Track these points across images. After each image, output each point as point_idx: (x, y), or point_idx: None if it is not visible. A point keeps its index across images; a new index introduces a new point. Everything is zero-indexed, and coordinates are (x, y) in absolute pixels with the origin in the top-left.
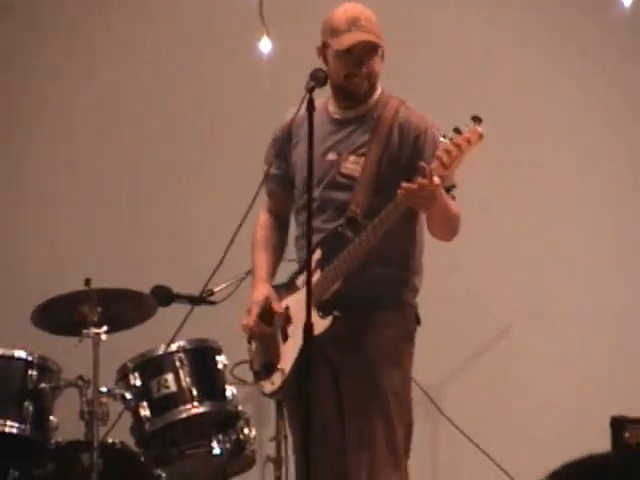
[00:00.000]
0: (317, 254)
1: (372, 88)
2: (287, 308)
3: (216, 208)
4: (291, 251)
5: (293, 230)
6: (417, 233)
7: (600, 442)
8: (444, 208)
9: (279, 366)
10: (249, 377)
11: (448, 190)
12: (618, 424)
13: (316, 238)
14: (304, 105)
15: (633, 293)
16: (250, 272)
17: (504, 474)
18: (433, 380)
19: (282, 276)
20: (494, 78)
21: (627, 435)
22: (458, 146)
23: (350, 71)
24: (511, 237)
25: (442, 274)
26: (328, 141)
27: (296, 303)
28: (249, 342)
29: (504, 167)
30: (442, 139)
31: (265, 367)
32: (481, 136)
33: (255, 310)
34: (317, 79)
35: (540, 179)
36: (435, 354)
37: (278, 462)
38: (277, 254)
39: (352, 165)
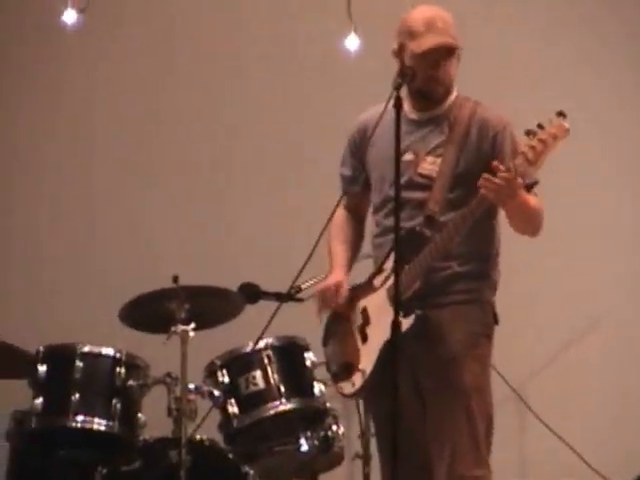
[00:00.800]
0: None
1: (448, 90)
2: (365, 309)
3: (304, 205)
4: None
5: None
6: (496, 230)
7: None
8: (524, 205)
9: (360, 366)
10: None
11: (531, 186)
12: None
13: (390, 237)
14: (381, 104)
15: None
16: None
17: (590, 469)
18: (520, 376)
19: (360, 275)
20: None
21: None
22: (543, 142)
23: (428, 74)
24: (596, 231)
25: (526, 269)
26: (404, 141)
27: (374, 303)
28: (325, 344)
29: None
30: (526, 135)
31: (344, 368)
32: (567, 131)
33: (342, 292)
34: (404, 76)
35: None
36: (522, 350)
37: (366, 459)
38: (353, 248)
39: (430, 165)
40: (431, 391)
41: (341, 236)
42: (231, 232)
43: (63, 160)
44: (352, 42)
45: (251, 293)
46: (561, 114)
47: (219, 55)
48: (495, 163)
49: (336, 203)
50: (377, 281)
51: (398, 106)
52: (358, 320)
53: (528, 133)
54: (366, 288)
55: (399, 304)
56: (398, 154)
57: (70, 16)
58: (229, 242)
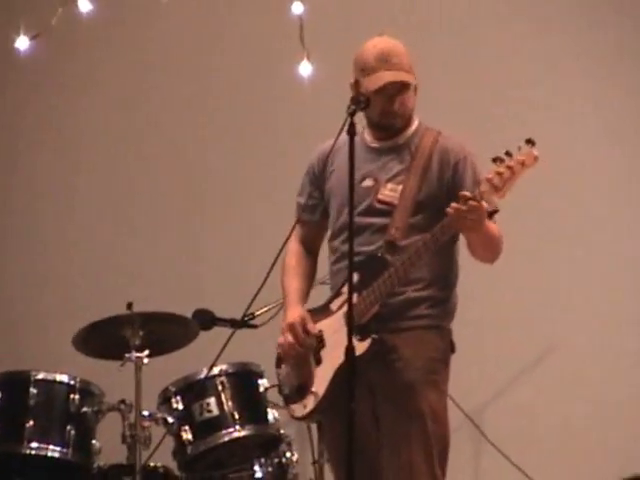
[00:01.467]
0: (354, 277)
1: (408, 121)
2: (320, 332)
3: (258, 234)
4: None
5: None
6: (455, 256)
7: None
8: (488, 232)
9: (313, 389)
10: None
11: (491, 214)
12: None
13: (347, 263)
14: (343, 132)
15: None
16: None
17: None
18: (475, 404)
19: (313, 302)
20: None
21: None
22: (511, 169)
23: (383, 109)
24: (550, 258)
25: (481, 297)
26: (364, 169)
27: (330, 327)
28: (278, 367)
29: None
30: (493, 162)
31: (297, 390)
32: (536, 158)
33: (296, 329)
34: (358, 103)
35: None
36: (477, 378)
37: None
38: (308, 280)
39: (390, 192)
40: (388, 416)
41: (296, 270)
42: (186, 259)
43: (13, 185)
44: (305, 68)
45: (205, 319)
46: (530, 142)
47: (175, 84)
48: (462, 192)
49: (289, 231)
50: (334, 305)
51: (352, 133)
52: (312, 343)
53: (495, 160)
54: (322, 312)
55: (356, 328)
56: (352, 179)
57: (22, 43)
58: (184, 269)
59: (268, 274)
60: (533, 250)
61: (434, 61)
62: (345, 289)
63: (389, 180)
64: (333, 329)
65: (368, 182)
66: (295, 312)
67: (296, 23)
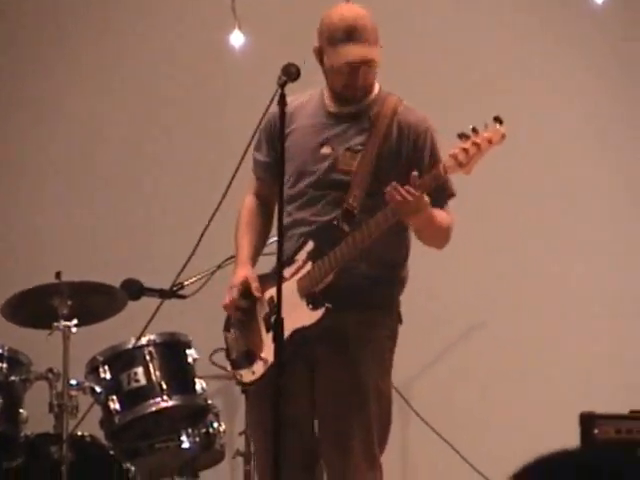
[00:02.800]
0: (309, 246)
1: (369, 90)
2: (272, 298)
3: (187, 203)
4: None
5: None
6: (408, 235)
7: (571, 438)
8: (430, 221)
9: (262, 355)
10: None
11: (447, 199)
12: (587, 420)
13: (304, 230)
14: (305, 92)
15: (602, 289)
16: (221, 266)
17: (473, 469)
18: (404, 377)
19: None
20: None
21: (596, 431)
22: (477, 145)
23: (347, 82)
24: (482, 233)
25: (414, 270)
26: (323, 134)
27: (282, 293)
28: (227, 330)
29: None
30: (458, 138)
31: (245, 355)
32: (504, 136)
33: (235, 292)
34: (289, 74)
35: (511, 165)
36: (406, 350)
37: (247, 456)
38: (261, 237)
39: (349, 161)
40: (327, 391)
41: (249, 227)
42: (115, 228)
43: None
44: (237, 38)
45: (134, 289)
46: (497, 119)
47: (102, 51)
48: (413, 173)
49: (219, 200)
50: (287, 272)
51: (282, 104)
52: (264, 309)
53: (461, 136)
54: (274, 278)
55: (308, 297)
56: (282, 155)
57: None
58: (112, 238)
59: (197, 244)
60: (466, 225)
61: (400, 32)
62: (299, 256)
63: (348, 149)
64: (285, 296)
65: (326, 149)
66: (241, 272)
67: None
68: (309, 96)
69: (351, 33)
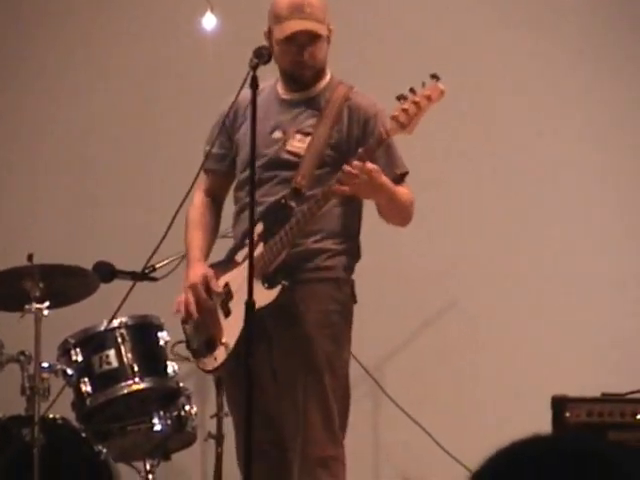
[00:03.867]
0: (258, 227)
1: (319, 73)
2: (227, 284)
3: (159, 185)
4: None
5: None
6: (358, 210)
7: (543, 422)
8: (392, 197)
9: (223, 340)
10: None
11: (401, 177)
12: (559, 403)
13: (255, 212)
14: (243, 83)
15: (573, 271)
16: None
17: (444, 452)
18: (375, 358)
19: (218, 254)
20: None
21: (567, 414)
22: (417, 103)
23: (293, 59)
24: (454, 211)
25: (385, 251)
26: (275, 120)
27: (236, 278)
28: (184, 322)
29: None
30: (397, 100)
31: (206, 343)
32: (442, 92)
33: (199, 290)
34: (260, 56)
35: (484, 153)
36: (377, 332)
37: (219, 439)
38: (211, 234)
39: (298, 143)
40: (285, 370)
41: (200, 224)
42: (87, 210)
43: None
44: (209, 21)
45: (106, 272)
46: (434, 76)
47: (76, 36)
48: (360, 150)
49: (191, 182)
50: (239, 256)
51: (254, 86)
52: (220, 297)
53: (400, 98)
54: (228, 264)
55: (263, 277)
56: (254, 134)
57: None
58: (84, 220)
59: (169, 227)
60: (437, 204)
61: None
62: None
63: (298, 131)
64: (240, 281)
65: (277, 134)
66: (197, 271)
67: None
68: (261, 87)
69: (295, 9)
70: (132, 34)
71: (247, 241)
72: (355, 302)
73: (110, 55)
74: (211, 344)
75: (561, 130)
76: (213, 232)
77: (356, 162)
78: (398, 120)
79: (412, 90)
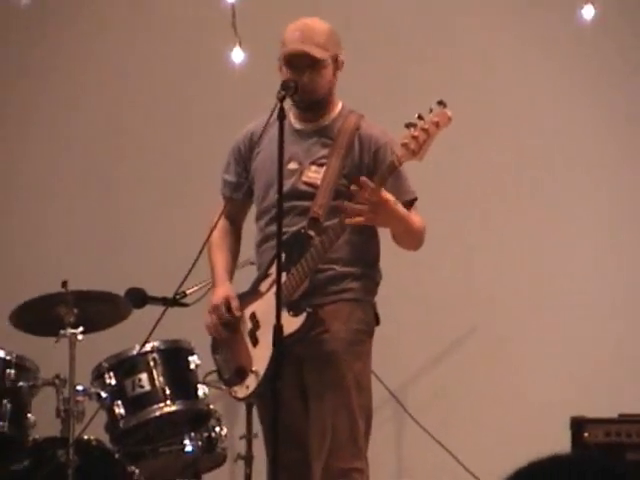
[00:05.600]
0: (282, 257)
1: (327, 101)
2: (253, 314)
3: (190, 216)
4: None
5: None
6: (376, 235)
7: (562, 441)
8: (404, 223)
9: (253, 369)
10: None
11: (410, 203)
12: (578, 424)
13: (275, 243)
14: (268, 115)
15: (591, 294)
16: None
17: (466, 472)
18: (398, 380)
19: (242, 281)
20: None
21: (586, 435)
22: (426, 130)
23: (291, 78)
24: (475, 237)
25: (407, 275)
26: (289, 151)
27: (262, 308)
28: (214, 352)
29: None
30: (406, 128)
31: (236, 373)
32: (450, 118)
33: (223, 308)
34: (288, 88)
35: (496, 170)
36: (400, 355)
37: (248, 459)
38: (233, 256)
39: (314, 174)
40: (313, 387)
41: (222, 246)
42: (120, 238)
43: None
44: (237, 55)
45: (138, 298)
46: (441, 103)
47: (111, 73)
48: (362, 178)
49: (219, 211)
50: (263, 286)
51: (282, 117)
52: (247, 326)
53: (409, 125)
54: (253, 294)
55: (288, 305)
56: (281, 164)
57: None
58: (117, 248)
59: (199, 254)
60: (459, 234)
61: (366, 48)
62: (272, 270)
63: (313, 162)
64: (265, 310)
65: (293, 165)
66: (220, 292)
67: (229, 11)
68: (274, 118)
69: (296, 33)
70: (163, 66)
71: (270, 271)
72: (378, 324)
73: (141, 85)
74: (241, 373)
75: (581, 159)
76: (234, 254)
77: (365, 180)
78: (409, 147)
79: (420, 117)
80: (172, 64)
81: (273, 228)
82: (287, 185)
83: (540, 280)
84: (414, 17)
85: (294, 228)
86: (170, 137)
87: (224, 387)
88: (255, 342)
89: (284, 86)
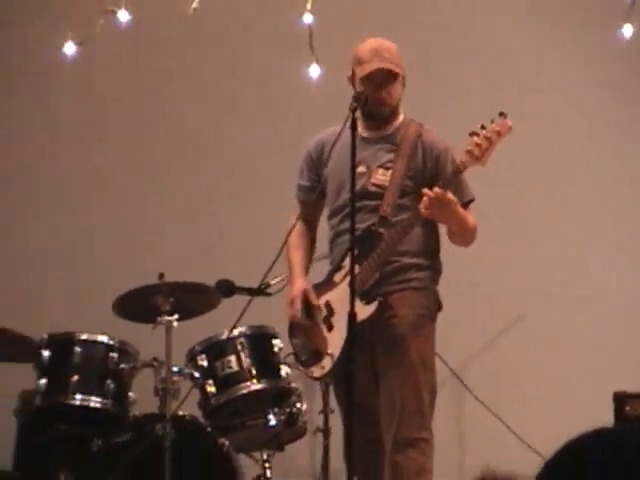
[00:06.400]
0: (355, 251)
1: (394, 112)
2: (328, 302)
3: (273, 215)
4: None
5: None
6: (438, 230)
7: (606, 415)
8: (461, 222)
9: (329, 351)
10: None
11: (468, 203)
12: (620, 399)
13: (345, 238)
14: (336, 125)
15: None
16: None
17: (520, 441)
18: (460, 360)
19: (317, 274)
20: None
21: (628, 408)
22: (488, 139)
23: (373, 95)
24: (525, 226)
25: (467, 258)
26: (358, 156)
27: (336, 297)
28: (292, 336)
29: (512, 156)
30: (470, 136)
31: (313, 355)
32: (510, 128)
33: (297, 304)
34: (359, 101)
35: (546, 168)
36: (461, 337)
37: (326, 432)
38: (309, 254)
39: (381, 176)
40: (383, 367)
41: (298, 246)
42: (210, 234)
43: (53, 160)
44: (314, 71)
45: (226, 288)
46: (502, 114)
47: (203, 88)
48: (435, 188)
49: (295, 214)
50: (337, 277)
51: (354, 127)
52: (322, 313)
53: (472, 134)
54: (327, 284)
55: (361, 294)
56: (354, 169)
57: (70, 48)
58: (209, 242)
59: (281, 249)
60: (510, 219)
61: (432, 60)
62: (346, 262)
63: (380, 166)
64: (340, 298)
65: (362, 168)
66: (297, 286)
67: (306, 32)
68: (342, 127)
69: (375, 52)
70: (243, 83)
71: (343, 264)
72: (440, 309)
73: (219, 105)
74: (318, 355)
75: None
76: (310, 252)
77: (437, 189)
78: (473, 154)
79: (483, 127)
80: (254, 81)
81: (345, 225)
82: (357, 186)
83: (588, 265)
84: (477, 35)
85: (364, 225)
86: (258, 144)
87: (301, 368)
88: (330, 327)
89: (356, 99)
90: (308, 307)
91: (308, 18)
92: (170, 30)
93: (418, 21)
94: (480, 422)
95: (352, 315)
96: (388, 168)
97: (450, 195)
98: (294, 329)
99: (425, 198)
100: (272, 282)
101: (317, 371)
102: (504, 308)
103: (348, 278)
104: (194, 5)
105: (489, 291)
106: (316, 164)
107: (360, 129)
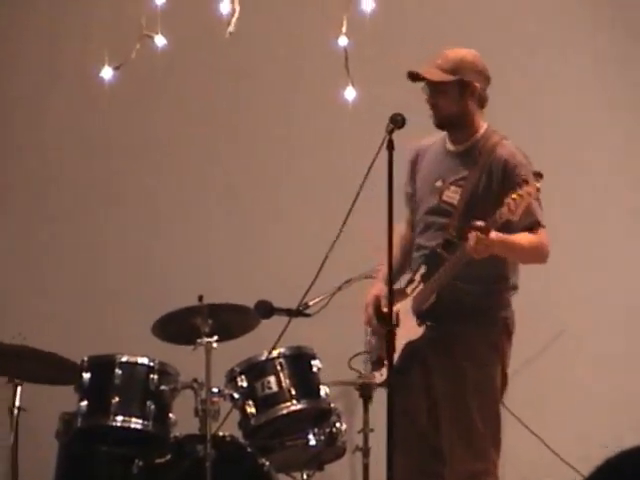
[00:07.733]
0: (422, 269)
1: (461, 122)
2: (397, 312)
3: (310, 238)
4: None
5: None
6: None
7: None
8: (515, 252)
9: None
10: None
11: (536, 227)
12: None
13: (421, 253)
14: (432, 135)
15: None
16: (340, 288)
17: (561, 461)
18: None
19: None
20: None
21: None
22: (522, 197)
23: (427, 101)
24: (565, 242)
25: None
26: (439, 169)
27: (403, 308)
28: (371, 334)
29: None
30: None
31: (378, 360)
32: (538, 189)
33: (370, 310)
34: (396, 122)
35: (586, 178)
36: None
37: (365, 451)
38: (403, 256)
39: (452, 194)
40: (441, 393)
41: (395, 244)
42: (249, 254)
43: (95, 177)
44: (350, 93)
45: (265, 309)
46: (537, 174)
47: (239, 109)
48: (477, 223)
49: (338, 231)
50: (409, 289)
51: (390, 148)
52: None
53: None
54: (402, 294)
55: (417, 314)
56: (391, 192)
57: (107, 73)
58: (248, 263)
59: (320, 269)
60: (565, 236)
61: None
62: (416, 276)
63: (452, 182)
64: (404, 311)
65: (439, 183)
66: (372, 292)
67: (342, 54)
68: (439, 138)
69: (434, 58)
70: (279, 105)
71: (415, 277)
72: (508, 334)
73: (255, 126)
74: (380, 362)
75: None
76: (407, 254)
77: (478, 234)
78: (510, 208)
79: (519, 185)
80: (290, 103)
81: (420, 240)
82: (432, 202)
83: (630, 278)
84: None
85: (433, 242)
86: (296, 165)
87: (362, 371)
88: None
89: (393, 120)
90: (380, 313)
91: (343, 41)
92: (206, 54)
93: (451, 42)
94: (519, 442)
95: (390, 333)
96: (460, 185)
97: (493, 234)
98: (373, 329)
99: (469, 239)
100: (311, 303)
101: (378, 377)
102: (543, 324)
103: (414, 293)
104: (230, 29)
105: (529, 307)
106: (413, 172)
107: (447, 142)
